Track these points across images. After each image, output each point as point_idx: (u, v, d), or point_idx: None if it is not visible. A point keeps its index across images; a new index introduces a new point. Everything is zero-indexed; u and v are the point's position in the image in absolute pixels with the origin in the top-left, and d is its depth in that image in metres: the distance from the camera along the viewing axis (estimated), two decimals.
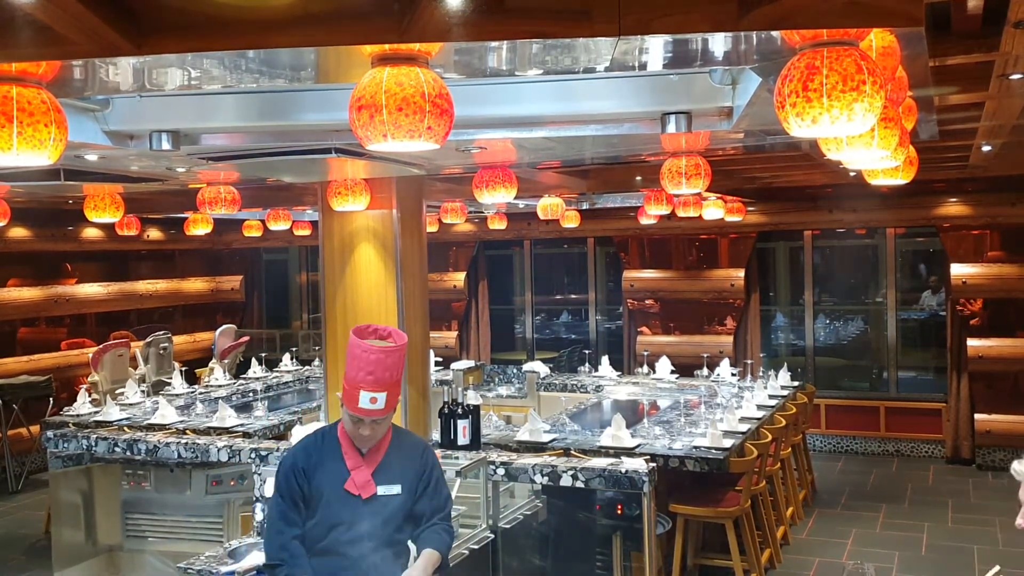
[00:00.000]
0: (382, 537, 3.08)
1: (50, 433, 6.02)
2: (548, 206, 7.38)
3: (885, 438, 9.43)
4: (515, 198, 5.33)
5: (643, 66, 2.65)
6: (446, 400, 5.21)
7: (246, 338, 9.92)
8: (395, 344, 3.10)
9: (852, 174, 6.43)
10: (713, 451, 5.34)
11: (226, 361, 9.11)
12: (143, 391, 7.38)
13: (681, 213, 7.34)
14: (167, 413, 6.27)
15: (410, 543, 3.15)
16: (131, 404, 6.93)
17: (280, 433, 5.99)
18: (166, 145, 3.65)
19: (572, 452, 5.18)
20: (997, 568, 2.49)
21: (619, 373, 8.36)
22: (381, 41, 2.17)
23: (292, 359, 9.05)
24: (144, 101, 3.57)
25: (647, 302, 10.42)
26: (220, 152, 4.30)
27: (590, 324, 11.13)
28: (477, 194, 4.94)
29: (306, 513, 3.11)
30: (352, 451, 3.13)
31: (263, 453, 4.94)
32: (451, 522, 3.31)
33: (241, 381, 8.25)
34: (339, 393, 3.13)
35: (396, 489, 3.12)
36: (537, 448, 5.35)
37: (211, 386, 7.95)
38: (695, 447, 5.42)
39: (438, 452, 4.86)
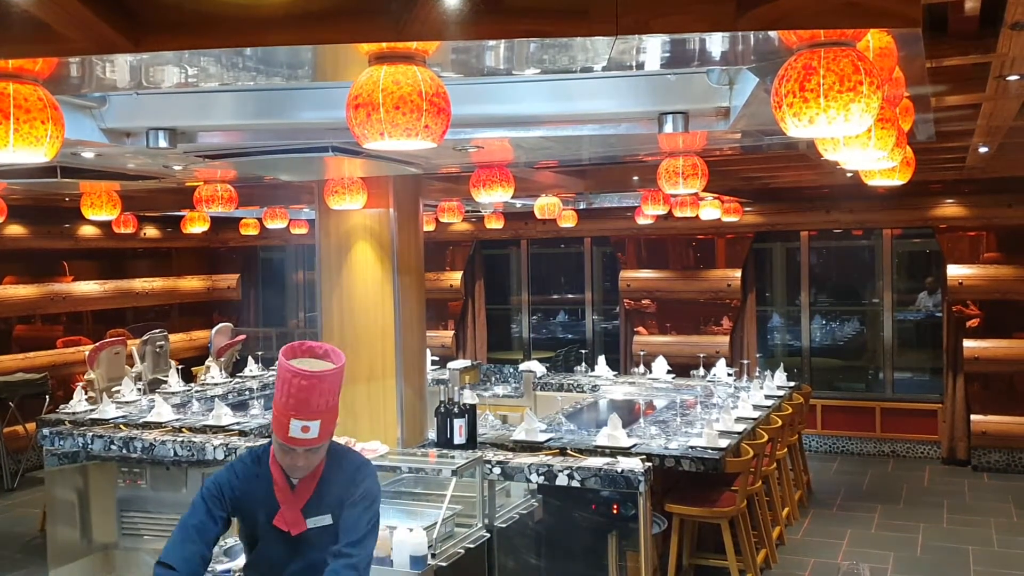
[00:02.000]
0: (311, 560, 2.88)
1: (46, 431, 6.02)
2: (545, 206, 7.38)
3: (881, 439, 9.44)
4: (512, 197, 5.32)
5: (640, 66, 2.66)
6: (442, 399, 5.21)
7: (242, 336, 9.91)
8: (333, 366, 2.78)
9: (849, 175, 6.44)
10: (709, 451, 5.35)
11: (222, 359, 9.11)
12: (139, 389, 7.37)
13: (678, 213, 7.34)
14: (163, 411, 6.26)
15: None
16: (127, 402, 6.92)
17: None
18: (163, 143, 3.64)
19: (568, 452, 5.19)
20: None
21: (615, 373, 8.36)
22: (378, 39, 2.17)
23: None
24: (141, 99, 3.57)
25: (644, 302, 10.42)
26: (217, 150, 4.29)
27: (587, 324, 11.14)
28: (474, 193, 4.94)
29: (226, 524, 2.92)
30: (283, 481, 2.85)
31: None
32: (358, 558, 2.82)
33: (237, 379, 8.25)
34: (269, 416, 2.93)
35: (327, 520, 2.86)
36: (533, 448, 5.35)
37: (207, 384, 7.94)
38: (691, 447, 5.43)
39: (433, 451, 4.88)
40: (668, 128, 3.43)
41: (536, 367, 8.06)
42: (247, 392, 7.65)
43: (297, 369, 2.71)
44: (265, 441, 3.41)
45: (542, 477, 4.68)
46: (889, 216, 9.28)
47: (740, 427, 5.99)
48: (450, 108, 2.27)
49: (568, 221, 8.74)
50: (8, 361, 9.19)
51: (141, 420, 6.20)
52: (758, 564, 5.91)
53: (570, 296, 11.68)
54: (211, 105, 3.56)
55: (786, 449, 7.03)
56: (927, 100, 3.70)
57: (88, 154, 4.37)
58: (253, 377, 8.30)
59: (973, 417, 8.84)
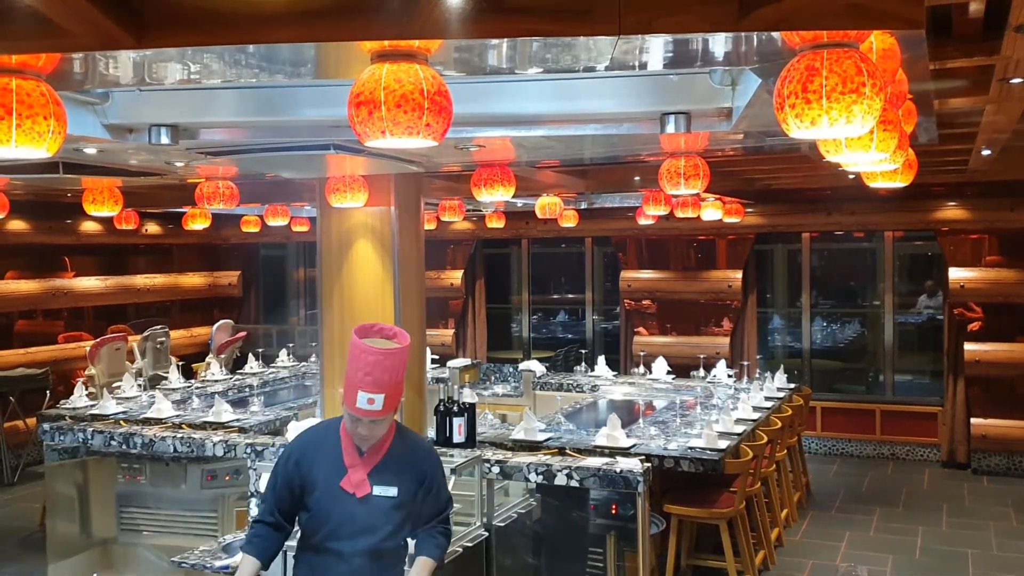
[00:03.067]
0: (376, 537, 3.04)
1: (46, 426, 6.02)
2: (546, 205, 7.38)
3: (880, 441, 9.44)
4: (513, 197, 5.32)
5: (643, 66, 2.65)
6: (442, 398, 5.21)
7: (243, 333, 9.92)
8: (398, 346, 3.04)
9: (851, 177, 6.44)
10: (708, 452, 5.35)
11: (223, 356, 9.11)
12: (140, 385, 7.37)
13: (679, 214, 7.34)
14: (163, 407, 6.26)
15: (410, 541, 3.14)
16: (127, 398, 6.92)
17: (276, 429, 5.98)
18: (165, 139, 3.64)
19: (567, 451, 5.19)
20: None
21: (615, 373, 8.36)
22: (381, 37, 2.17)
23: (289, 355, 9.04)
24: (143, 95, 3.57)
25: (644, 302, 10.42)
26: (219, 147, 4.29)
27: (587, 324, 11.14)
28: (475, 192, 4.93)
29: (301, 503, 3.11)
30: (351, 448, 3.08)
31: (258, 448, 4.94)
32: (449, 524, 3.28)
33: (237, 376, 8.25)
34: (340, 390, 3.09)
35: (392, 491, 3.06)
36: (532, 447, 5.35)
37: (207, 381, 7.94)
38: (690, 448, 5.43)
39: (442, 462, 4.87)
40: (670, 128, 3.43)
41: (536, 366, 8.06)
42: (247, 389, 7.65)
43: (366, 346, 2.98)
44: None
45: (541, 476, 4.68)
46: (891, 218, 9.27)
47: (740, 428, 5.99)
48: (452, 107, 2.27)
49: (569, 221, 8.74)
50: (9, 356, 9.20)
51: (141, 416, 6.21)
52: (756, 565, 5.91)
53: (570, 296, 11.68)
54: (213, 102, 3.56)
55: (785, 451, 7.03)
56: (930, 102, 3.70)
57: (90, 150, 4.37)
58: (253, 374, 8.30)
59: (973, 420, 8.83)
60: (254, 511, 4.60)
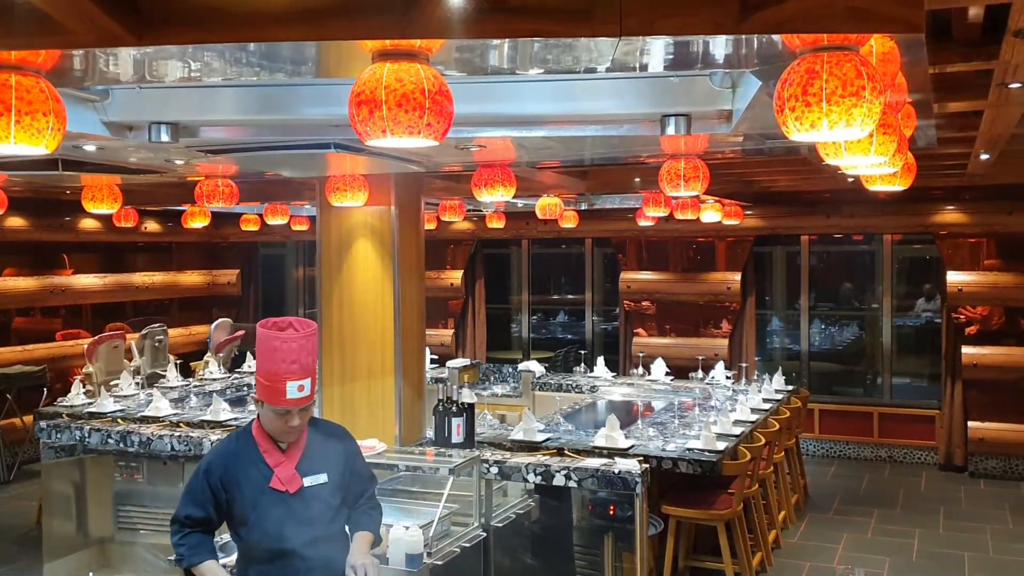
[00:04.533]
0: (319, 526, 3.04)
1: (43, 423, 6.01)
2: (547, 206, 7.38)
3: (878, 444, 9.44)
4: (514, 197, 5.32)
5: (644, 67, 2.66)
6: (441, 398, 5.21)
7: (241, 332, 9.90)
8: (310, 329, 3.06)
9: (850, 180, 6.44)
10: (706, 453, 5.35)
11: (221, 355, 9.10)
12: (137, 383, 7.37)
13: (679, 215, 7.34)
14: (161, 406, 6.26)
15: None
16: (125, 396, 6.92)
17: None
18: (165, 137, 3.64)
19: (566, 452, 5.19)
20: None
21: (614, 374, 8.36)
22: (382, 37, 2.17)
23: None
24: (144, 92, 3.56)
25: (643, 303, 10.43)
26: (219, 145, 4.29)
27: (586, 324, 11.14)
28: (476, 192, 4.94)
29: (225, 514, 3.08)
30: (272, 448, 3.05)
31: None
32: (376, 501, 3.30)
33: (236, 375, 8.25)
34: (253, 395, 3.05)
35: (323, 478, 3.07)
36: (531, 447, 5.35)
37: (206, 379, 7.94)
38: (688, 449, 5.43)
39: (431, 450, 4.88)
40: (670, 130, 3.43)
41: (535, 367, 8.06)
42: (245, 388, 7.65)
43: (285, 335, 2.96)
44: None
45: (539, 477, 4.68)
46: (889, 221, 9.28)
47: (738, 430, 5.99)
48: (452, 107, 2.27)
49: (569, 221, 8.74)
50: (7, 353, 9.19)
51: (139, 414, 6.20)
52: (754, 567, 5.91)
53: (570, 296, 11.68)
54: (214, 100, 3.56)
55: (783, 453, 7.04)
56: (929, 106, 3.70)
57: (90, 147, 4.37)
58: (251, 373, 8.29)
59: (971, 423, 8.84)
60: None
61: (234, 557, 3.40)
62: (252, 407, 6.49)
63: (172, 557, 3.12)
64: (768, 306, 10.58)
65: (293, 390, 2.93)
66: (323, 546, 3.03)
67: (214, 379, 7.92)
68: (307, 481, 3.04)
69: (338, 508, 3.12)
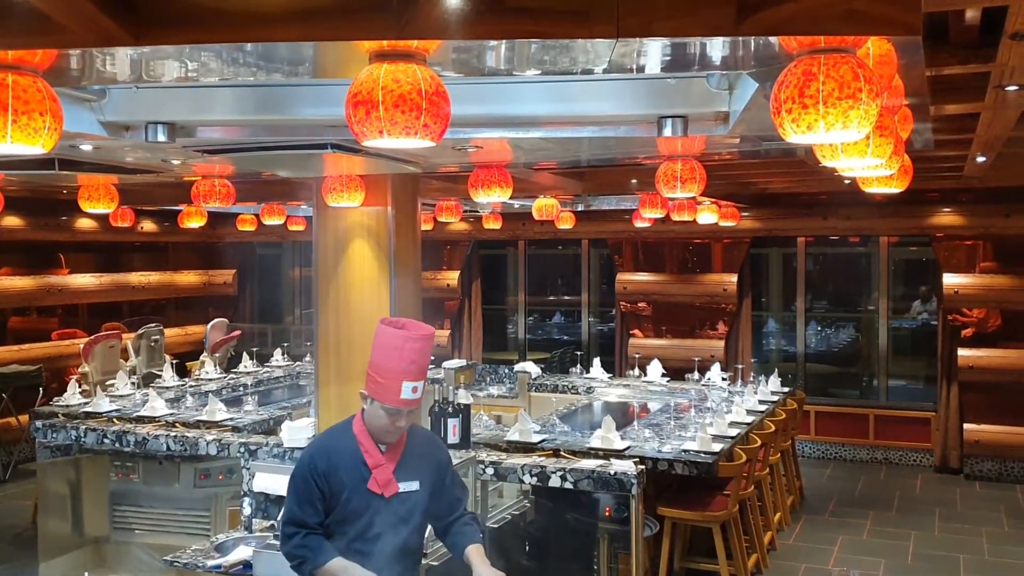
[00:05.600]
0: (403, 534, 3.03)
1: (39, 423, 6.00)
2: (543, 207, 7.38)
3: (874, 446, 9.45)
4: (510, 198, 5.33)
5: (641, 69, 2.66)
6: (437, 399, 5.20)
7: (237, 332, 9.90)
8: (429, 332, 3.07)
9: (847, 182, 6.44)
10: (702, 455, 5.35)
11: (217, 355, 9.09)
12: (133, 383, 7.35)
13: (675, 217, 7.35)
14: (157, 405, 6.25)
15: (430, 538, 3.13)
16: (121, 396, 6.91)
17: (270, 428, 5.97)
18: (162, 137, 3.63)
19: (561, 453, 5.19)
20: None
21: (610, 375, 8.37)
22: (379, 37, 2.17)
23: (283, 354, 9.03)
24: (141, 92, 3.56)
25: (640, 305, 10.43)
26: (216, 145, 4.29)
27: (583, 326, 11.14)
28: (473, 193, 4.94)
29: (325, 513, 3.03)
30: (372, 448, 3.03)
31: (252, 447, 4.93)
32: (472, 513, 3.29)
33: (232, 375, 8.24)
34: (363, 390, 3.01)
35: (415, 485, 3.06)
36: (527, 448, 5.35)
37: (201, 379, 7.93)
38: (684, 450, 5.43)
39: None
40: (667, 132, 3.43)
41: (531, 368, 8.06)
42: (241, 388, 7.65)
43: (408, 334, 2.97)
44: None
45: (535, 478, 4.68)
46: (886, 224, 9.29)
47: (734, 431, 6.00)
48: (449, 107, 2.27)
49: (566, 223, 8.74)
50: (2, 353, 9.17)
51: (134, 414, 6.19)
52: (749, 569, 5.92)
53: (566, 297, 11.68)
54: (211, 100, 3.56)
55: (779, 454, 7.04)
56: (926, 109, 3.71)
57: (87, 147, 4.36)
58: (248, 373, 8.29)
59: (966, 426, 8.85)
60: (247, 510, 4.59)
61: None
62: (248, 406, 6.49)
63: (291, 564, 3.02)
64: (764, 308, 10.59)
65: (408, 391, 2.94)
66: (400, 555, 3.03)
67: (210, 379, 7.91)
68: (402, 487, 3.03)
69: (423, 518, 3.11)
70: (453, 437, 5.11)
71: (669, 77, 3.30)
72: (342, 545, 3.02)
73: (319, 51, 2.48)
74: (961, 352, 8.87)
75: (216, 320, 9.86)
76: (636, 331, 10.37)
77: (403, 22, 2.10)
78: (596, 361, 8.41)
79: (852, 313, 10.51)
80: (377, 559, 2.99)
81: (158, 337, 9.14)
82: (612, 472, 4.59)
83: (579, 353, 9.11)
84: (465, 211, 8.84)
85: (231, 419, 6.03)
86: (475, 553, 3.06)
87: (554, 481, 4.64)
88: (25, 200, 8.83)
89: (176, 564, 4.10)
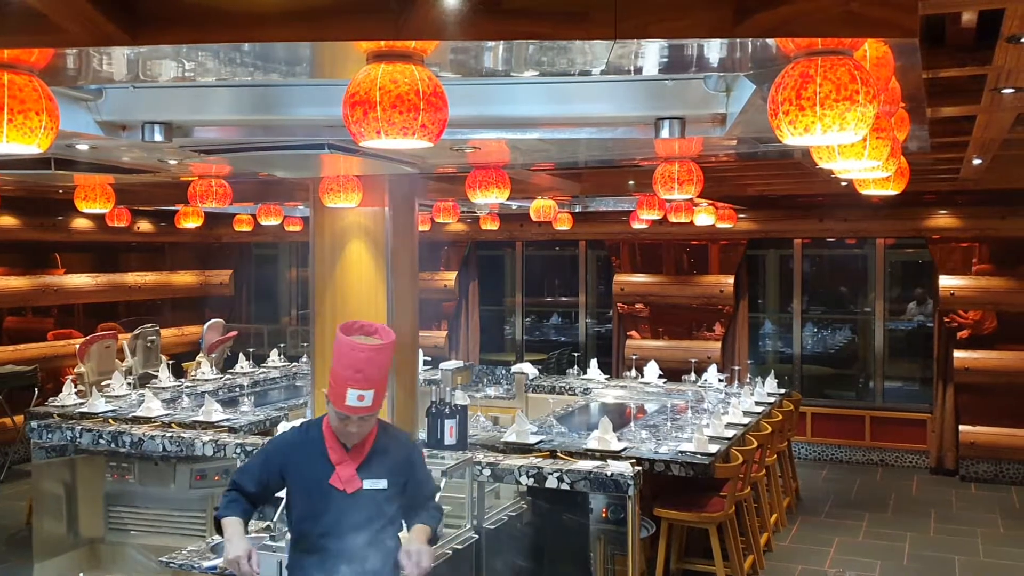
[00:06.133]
0: (370, 531, 3.05)
1: (34, 423, 5.99)
2: (541, 208, 7.38)
3: (870, 447, 9.47)
4: (508, 199, 5.32)
5: (638, 70, 2.66)
6: (434, 400, 5.20)
7: (234, 333, 9.89)
8: (384, 341, 3.05)
9: (843, 184, 6.45)
10: (699, 456, 5.35)
11: (213, 355, 9.08)
12: (129, 383, 7.34)
13: (673, 218, 7.35)
14: (153, 406, 6.24)
15: (404, 525, 3.17)
16: (117, 396, 6.89)
17: (266, 429, 5.97)
18: (158, 137, 3.63)
19: (558, 454, 5.19)
20: None
21: (607, 376, 8.37)
22: (377, 38, 2.17)
23: (280, 355, 9.02)
24: (137, 92, 3.55)
25: (637, 306, 10.44)
26: (213, 145, 4.28)
27: (580, 327, 11.14)
28: (470, 194, 4.93)
29: (267, 496, 3.19)
30: (337, 445, 3.09)
31: (248, 448, 4.92)
32: (438, 504, 3.32)
33: (228, 376, 8.23)
34: (325, 389, 3.09)
35: (382, 483, 3.09)
36: (524, 449, 5.35)
37: (198, 380, 7.92)
38: (681, 452, 5.43)
39: (424, 452, 4.87)
40: (664, 133, 3.43)
41: (528, 369, 8.06)
42: (237, 388, 7.64)
43: (356, 343, 2.98)
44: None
45: (532, 479, 4.68)
46: (882, 226, 9.31)
47: (730, 433, 6.00)
48: (447, 108, 2.27)
49: (563, 224, 8.74)
50: None
51: (130, 415, 6.18)
52: (745, 570, 5.92)
53: (564, 299, 11.68)
54: (208, 100, 3.55)
55: (775, 456, 7.05)
56: (923, 111, 3.72)
57: (83, 146, 4.35)
58: (244, 374, 8.28)
59: (962, 427, 8.87)
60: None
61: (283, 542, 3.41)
62: (244, 407, 6.48)
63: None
64: (761, 309, 10.60)
65: (352, 398, 2.95)
66: (368, 552, 3.04)
67: (206, 380, 7.90)
68: (366, 484, 3.07)
69: (391, 516, 3.14)
70: (450, 438, 5.11)
71: (667, 79, 3.30)
72: (309, 543, 3.07)
73: (316, 51, 2.47)
74: (957, 354, 8.89)
75: (212, 320, 9.85)
76: (633, 332, 10.38)
77: (401, 22, 2.10)
78: (593, 362, 8.41)
79: (848, 315, 10.53)
80: (348, 557, 3.01)
81: (154, 337, 9.12)
82: (609, 473, 4.59)
83: (576, 354, 9.10)
84: (463, 212, 8.83)
85: (227, 420, 6.03)
86: (415, 530, 3.14)
87: (551, 482, 4.63)
88: (21, 200, 8.81)
89: (172, 565, 4.09)
